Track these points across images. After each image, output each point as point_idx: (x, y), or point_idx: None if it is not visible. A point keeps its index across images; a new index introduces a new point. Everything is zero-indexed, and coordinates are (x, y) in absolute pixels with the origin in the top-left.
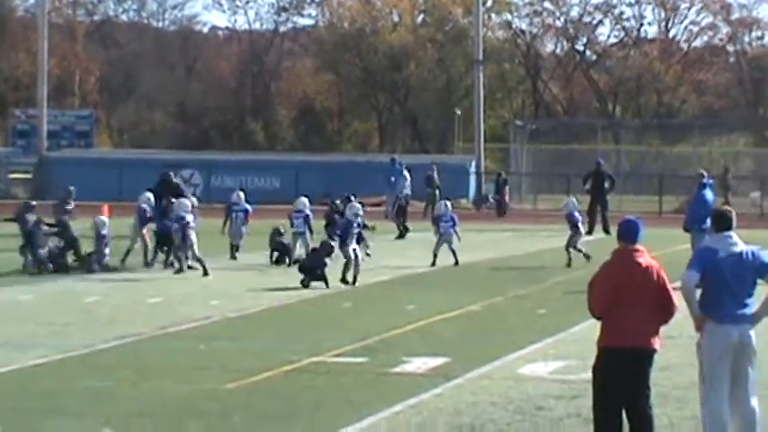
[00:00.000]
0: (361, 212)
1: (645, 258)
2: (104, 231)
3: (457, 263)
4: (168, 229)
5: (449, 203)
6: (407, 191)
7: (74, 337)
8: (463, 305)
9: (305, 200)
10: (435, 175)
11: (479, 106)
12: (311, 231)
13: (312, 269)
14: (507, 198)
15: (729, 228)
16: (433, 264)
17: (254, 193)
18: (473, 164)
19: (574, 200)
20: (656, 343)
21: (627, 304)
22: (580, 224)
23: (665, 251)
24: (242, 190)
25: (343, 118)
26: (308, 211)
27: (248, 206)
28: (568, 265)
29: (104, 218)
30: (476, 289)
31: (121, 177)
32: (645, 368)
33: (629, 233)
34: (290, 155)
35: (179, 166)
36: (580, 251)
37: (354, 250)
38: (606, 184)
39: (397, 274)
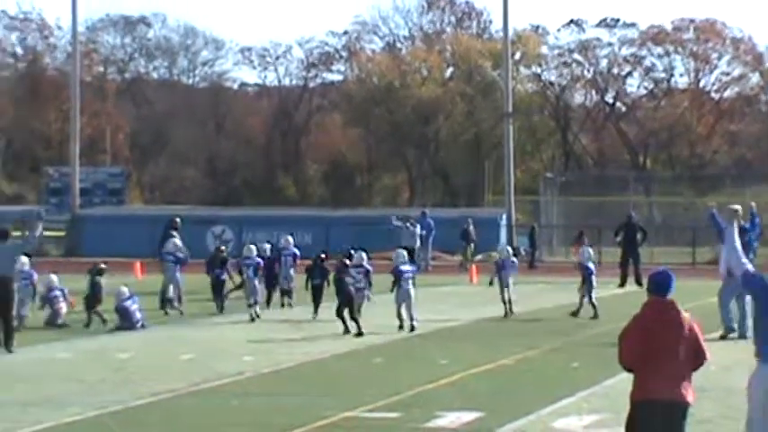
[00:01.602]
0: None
1: (676, 310)
2: (126, 303)
3: (506, 314)
4: (219, 276)
5: (510, 249)
6: (411, 243)
7: (108, 395)
8: (496, 359)
9: (363, 254)
10: (471, 228)
11: (509, 159)
12: (371, 285)
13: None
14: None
15: None
16: (506, 313)
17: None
18: (503, 216)
19: (590, 250)
20: (690, 396)
21: (659, 357)
22: (593, 276)
23: (698, 303)
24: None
25: (373, 172)
26: (367, 266)
27: (296, 250)
28: (580, 314)
29: (125, 289)
30: (508, 342)
31: (154, 234)
32: (679, 422)
33: (660, 285)
34: (321, 210)
35: (211, 222)
36: (592, 305)
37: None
38: (638, 237)
39: (429, 328)
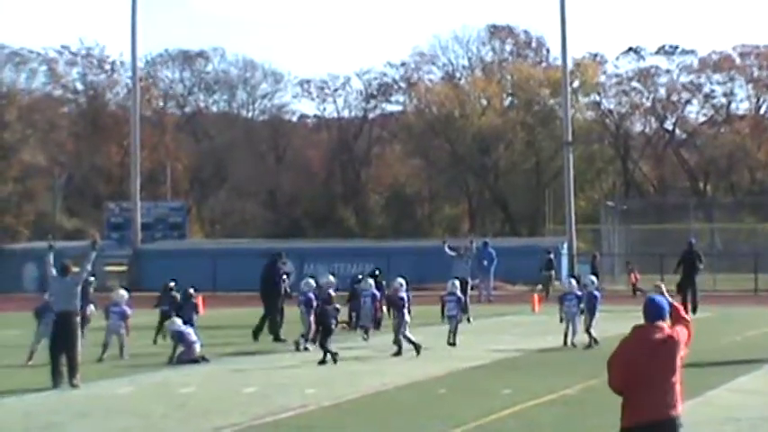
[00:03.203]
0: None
1: (662, 334)
2: (179, 329)
3: (565, 343)
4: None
5: (574, 282)
6: (464, 274)
7: (170, 430)
8: (558, 389)
9: (457, 282)
10: (552, 257)
11: (569, 187)
12: (465, 312)
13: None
14: (635, 280)
15: None
16: (564, 343)
17: (348, 279)
18: (565, 245)
19: (594, 279)
20: (678, 410)
21: (642, 383)
22: (597, 303)
23: (761, 330)
24: (376, 271)
25: (434, 202)
26: (459, 294)
27: (376, 291)
28: (589, 346)
29: (178, 324)
30: (570, 372)
31: (215, 268)
32: None
33: (647, 311)
34: (381, 241)
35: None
36: (589, 335)
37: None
38: (699, 265)
39: (492, 358)
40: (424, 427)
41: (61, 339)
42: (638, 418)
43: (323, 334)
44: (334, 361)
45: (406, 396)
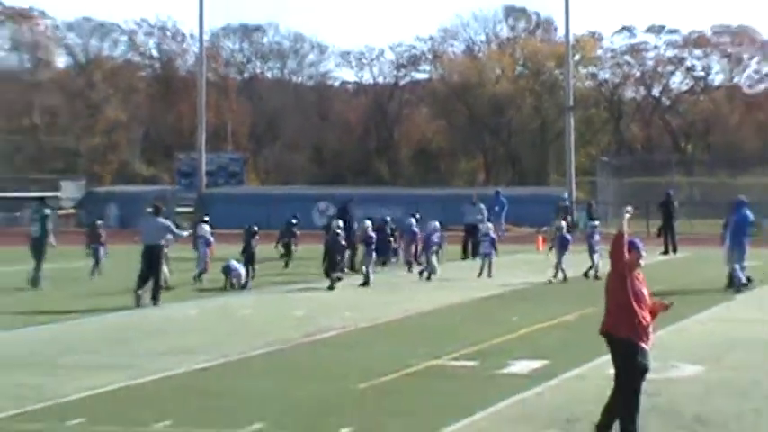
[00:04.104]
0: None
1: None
2: (231, 269)
3: (565, 279)
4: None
5: (564, 225)
6: (474, 220)
7: (232, 345)
8: (559, 315)
9: (490, 225)
10: (568, 204)
11: (570, 146)
12: (496, 252)
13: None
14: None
15: None
16: (564, 277)
17: (380, 220)
18: (566, 195)
19: (564, 224)
20: (618, 331)
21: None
22: (569, 245)
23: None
24: (413, 216)
25: (455, 157)
26: (492, 235)
27: (416, 230)
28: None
29: (232, 262)
30: (570, 302)
31: (269, 210)
32: (616, 352)
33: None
34: (410, 189)
35: (317, 199)
36: (563, 272)
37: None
38: (674, 212)
39: (503, 290)
40: (446, 346)
41: (147, 268)
42: (601, 327)
43: (329, 264)
44: (331, 287)
45: (429, 321)
